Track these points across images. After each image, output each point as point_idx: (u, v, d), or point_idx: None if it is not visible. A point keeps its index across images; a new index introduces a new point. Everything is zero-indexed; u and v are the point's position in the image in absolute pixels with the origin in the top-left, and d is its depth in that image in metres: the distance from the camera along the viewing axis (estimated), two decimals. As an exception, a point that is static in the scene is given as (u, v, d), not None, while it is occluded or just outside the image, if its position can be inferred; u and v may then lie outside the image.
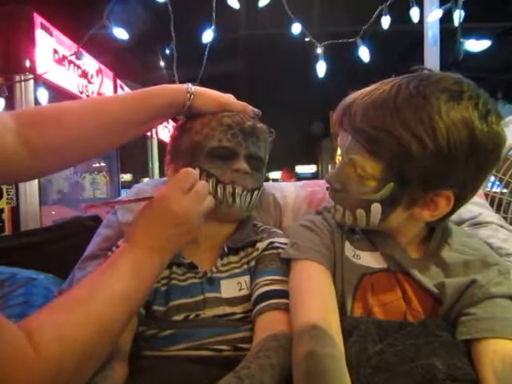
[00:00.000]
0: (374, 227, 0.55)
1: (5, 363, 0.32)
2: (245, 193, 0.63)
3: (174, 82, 1.44)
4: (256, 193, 0.66)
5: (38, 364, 0.33)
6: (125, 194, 0.87)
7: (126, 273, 0.44)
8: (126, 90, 2.90)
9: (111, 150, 0.69)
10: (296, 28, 1.41)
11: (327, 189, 0.60)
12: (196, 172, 0.52)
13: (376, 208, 0.52)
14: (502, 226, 0.71)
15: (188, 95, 0.62)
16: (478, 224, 0.71)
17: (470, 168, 0.47)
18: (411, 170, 0.47)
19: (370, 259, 0.56)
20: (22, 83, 1.49)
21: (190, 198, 0.50)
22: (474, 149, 0.45)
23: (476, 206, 0.75)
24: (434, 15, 1.35)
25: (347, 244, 0.59)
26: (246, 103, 0.69)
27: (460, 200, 0.50)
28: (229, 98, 0.67)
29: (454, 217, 0.72)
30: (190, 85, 0.63)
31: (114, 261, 0.45)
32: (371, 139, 0.49)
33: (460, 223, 0.72)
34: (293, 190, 0.89)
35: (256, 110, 0.69)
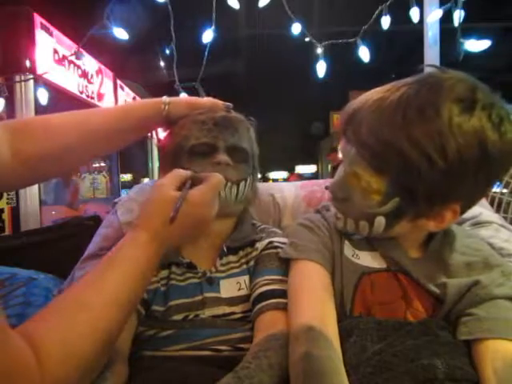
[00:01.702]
0: (376, 236, 0.55)
1: (8, 379, 0.31)
2: (229, 184, 0.63)
3: (173, 82, 1.44)
4: (243, 184, 0.65)
5: (42, 381, 0.33)
6: (125, 194, 0.88)
7: (133, 270, 0.43)
8: (126, 90, 2.90)
9: (98, 158, 0.73)
10: (296, 28, 1.41)
11: (326, 188, 0.59)
12: (224, 180, 0.53)
13: (380, 221, 0.51)
14: (502, 226, 0.71)
15: (163, 106, 0.66)
16: (479, 224, 0.71)
17: (479, 181, 0.46)
18: (418, 186, 0.46)
19: (369, 259, 0.56)
20: (22, 83, 1.49)
21: (215, 205, 0.51)
22: (485, 164, 0.44)
23: (476, 206, 0.75)
24: (433, 15, 1.35)
25: (347, 243, 0.59)
26: (214, 99, 0.72)
27: (466, 209, 0.50)
28: (197, 98, 0.71)
29: None
30: (165, 97, 0.68)
31: (122, 251, 0.44)
32: (377, 156, 0.47)
33: (461, 223, 0.72)
34: (292, 189, 0.89)
35: (227, 103, 0.71)
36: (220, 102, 0.70)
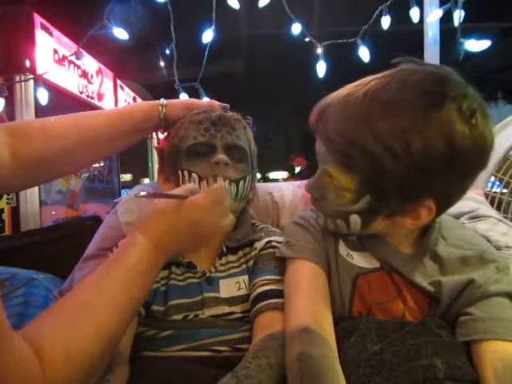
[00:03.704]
0: (356, 233, 0.54)
1: (12, 381, 0.30)
2: (227, 182, 0.63)
3: (174, 81, 1.44)
4: (242, 183, 0.66)
5: (44, 383, 0.32)
6: (125, 194, 0.88)
7: (136, 274, 0.43)
8: (126, 90, 2.90)
9: (97, 162, 0.75)
10: (296, 28, 1.41)
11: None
12: (228, 188, 0.52)
13: (354, 219, 0.51)
14: (500, 220, 0.71)
15: (160, 108, 0.67)
16: (477, 217, 0.71)
17: (452, 177, 0.44)
18: (386, 183, 0.45)
19: (362, 259, 0.56)
20: (22, 83, 1.49)
21: (218, 213, 0.50)
22: (454, 158, 0.42)
23: (475, 203, 0.75)
24: (434, 15, 1.35)
25: (341, 243, 0.59)
26: (211, 100, 0.73)
27: (445, 206, 0.49)
28: (194, 100, 0.72)
29: (453, 210, 0.72)
30: (162, 99, 0.69)
31: (123, 254, 0.44)
32: (343, 154, 0.47)
33: (458, 216, 0.72)
34: (290, 189, 0.90)
35: (224, 104, 0.71)
36: (217, 103, 0.71)
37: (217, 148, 0.64)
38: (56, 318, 0.37)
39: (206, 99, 0.77)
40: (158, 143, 0.77)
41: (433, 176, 0.44)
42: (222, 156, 0.63)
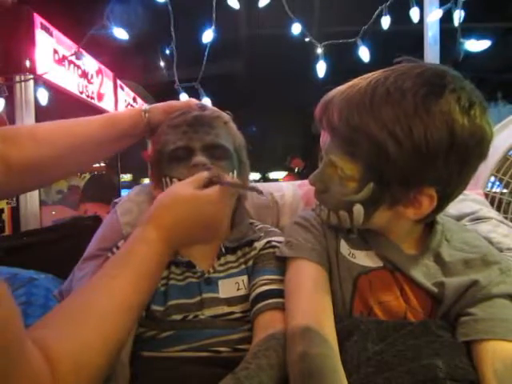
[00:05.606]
0: (359, 227, 0.54)
1: None
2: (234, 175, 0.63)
3: (173, 82, 1.43)
4: None
5: None
6: (125, 195, 0.88)
7: (143, 271, 0.42)
8: (126, 90, 2.90)
9: (88, 167, 0.76)
10: (296, 28, 1.41)
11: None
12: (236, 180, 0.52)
13: (358, 209, 0.51)
14: (502, 222, 0.71)
15: (143, 113, 0.68)
16: (478, 219, 0.71)
17: (452, 165, 0.45)
18: (389, 169, 0.46)
19: (365, 258, 0.56)
20: (22, 83, 1.49)
21: (226, 207, 0.51)
22: (454, 146, 0.44)
23: (476, 204, 0.76)
24: (434, 15, 1.35)
25: (343, 242, 0.59)
26: (189, 99, 0.72)
27: (446, 197, 0.49)
28: (173, 102, 0.72)
29: (454, 211, 0.72)
30: (144, 105, 0.69)
31: (132, 251, 0.43)
32: (348, 140, 0.48)
33: (460, 218, 0.72)
34: (290, 188, 0.90)
35: (201, 102, 0.71)
36: (193, 102, 0.70)
37: (195, 150, 0.63)
38: (65, 325, 0.36)
39: (206, 99, 0.77)
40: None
41: (433, 163, 0.45)
42: (199, 158, 0.62)
